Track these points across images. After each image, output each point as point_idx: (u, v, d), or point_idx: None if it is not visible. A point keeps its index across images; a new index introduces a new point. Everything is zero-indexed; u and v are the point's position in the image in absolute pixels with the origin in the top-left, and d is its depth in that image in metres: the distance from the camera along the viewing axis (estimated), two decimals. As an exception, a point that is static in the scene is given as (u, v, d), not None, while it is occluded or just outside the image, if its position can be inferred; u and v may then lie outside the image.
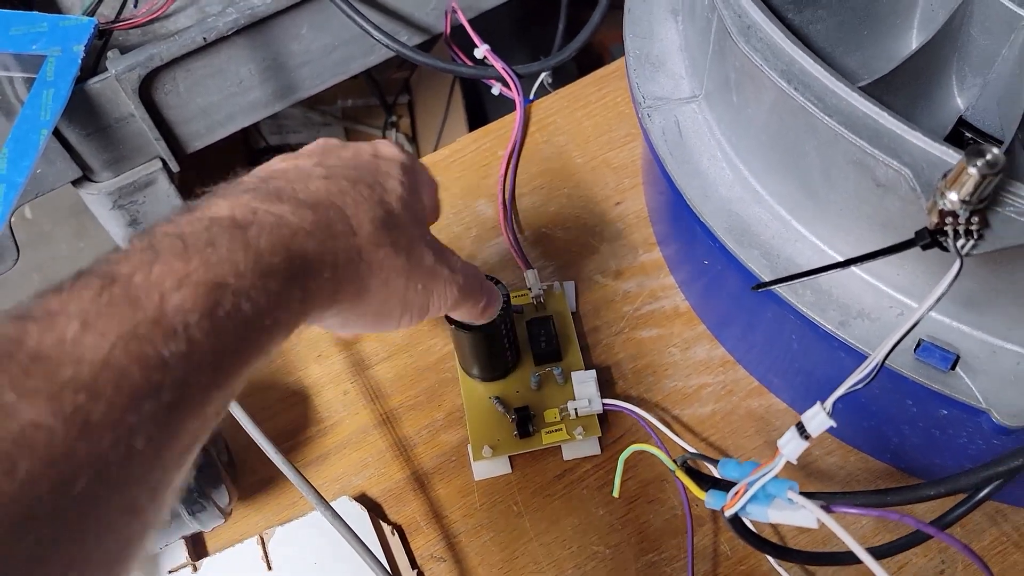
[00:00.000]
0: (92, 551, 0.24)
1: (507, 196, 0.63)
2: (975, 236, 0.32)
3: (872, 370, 0.32)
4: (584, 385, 0.53)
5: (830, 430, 0.53)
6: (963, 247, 0.32)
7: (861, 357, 0.42)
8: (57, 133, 0.66)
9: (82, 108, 0.65)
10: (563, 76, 0.71)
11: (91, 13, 0.66)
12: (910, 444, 0.49)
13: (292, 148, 1.31)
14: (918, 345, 0.41)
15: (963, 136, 0.48)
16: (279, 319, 0.30)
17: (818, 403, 0.32)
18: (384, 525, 0.52)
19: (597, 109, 0.68)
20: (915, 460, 0.51)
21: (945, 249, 0.33)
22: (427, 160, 0.67)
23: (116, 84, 0.65)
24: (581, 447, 0.53)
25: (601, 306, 0.59)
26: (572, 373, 0.53)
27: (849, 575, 0.49)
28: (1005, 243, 0.32)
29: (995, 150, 0.30)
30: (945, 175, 0.32)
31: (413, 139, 1.20)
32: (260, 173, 0.36)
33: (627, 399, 0.54)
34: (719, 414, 0.55)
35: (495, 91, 0.70)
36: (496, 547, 0.51)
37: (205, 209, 0.31)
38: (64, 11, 0.69)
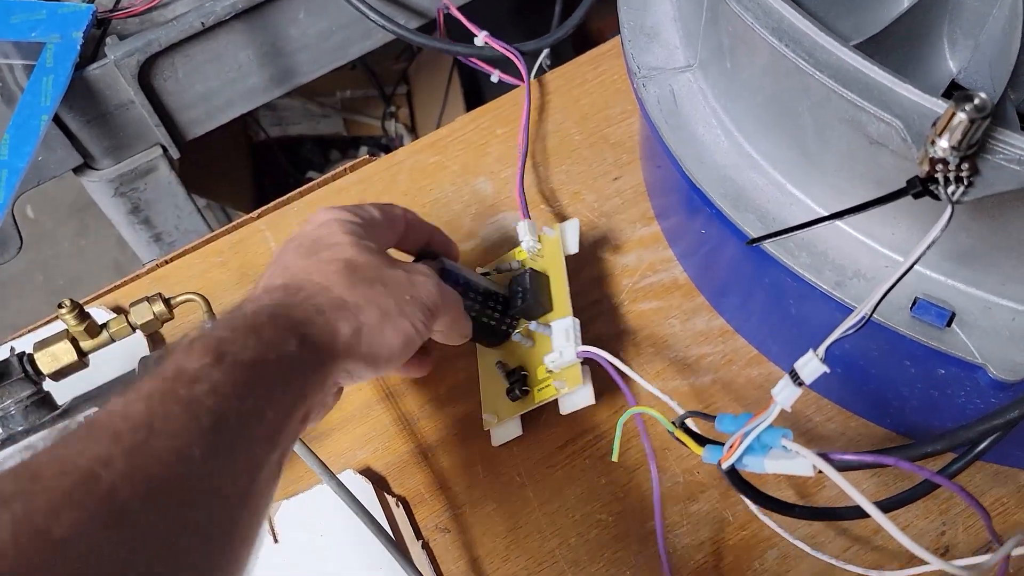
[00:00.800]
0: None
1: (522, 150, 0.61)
2: (965, 183, 0.32)
3: (866, 314, 0.32)
4: (557, 336, 0.49)
5: (830, 395, 0.54)
6: (954, 194, 0.32)
7: (858, 317, 0.42)
8: (58, 120, 0.66)
9: (82, 95, 0.65)
10: (561, 61, 0.71)
11: (89, 0, 0.67)
12: (910, 407, 0.50)
13: (292, 140, 1.31)
14: (914, 303, 0.42)
15: (956, 98, 0.48)
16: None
17: (811, 350, 0.33)
18: (389, 497, 0.52)
19: (594, 87, 0.68)
20: (915, 423, 0.51)
21: (936, 197, 0.33)
22: (426, 139, 0.67)
23: (115, 70, 0.65)
24: (574, 399, 0.49)
25: (601, 279, 0.59)
26: (551, 323, 0.50)
27: (850, 541, 0.49)
28: (995, 189, 0.32)
29: (983, 95, 0.30)
30: (935, 123, 0.32)
31: (412, 129, 1.21)
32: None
33: (627, 370, 0.54)
34: (719, 383, 0.55)
35: (494, 78, 0.69)
36: (500, 517, 0.52)
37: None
38: (63, -1, 0.70)
